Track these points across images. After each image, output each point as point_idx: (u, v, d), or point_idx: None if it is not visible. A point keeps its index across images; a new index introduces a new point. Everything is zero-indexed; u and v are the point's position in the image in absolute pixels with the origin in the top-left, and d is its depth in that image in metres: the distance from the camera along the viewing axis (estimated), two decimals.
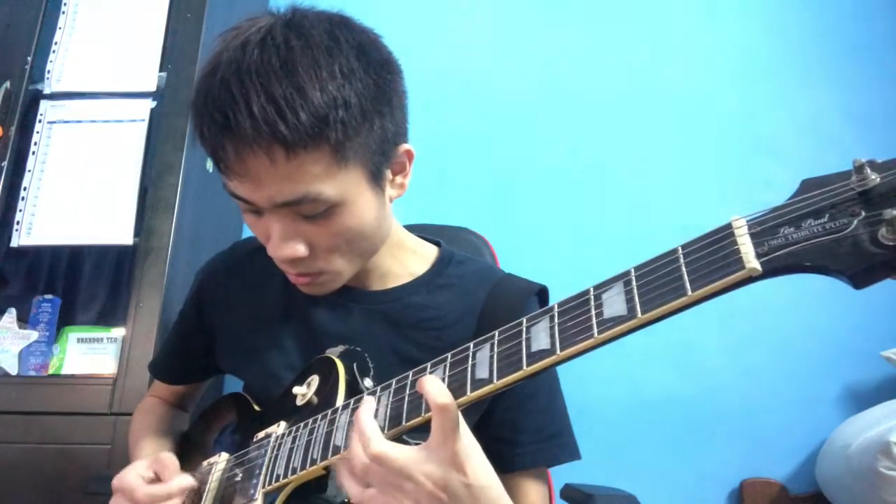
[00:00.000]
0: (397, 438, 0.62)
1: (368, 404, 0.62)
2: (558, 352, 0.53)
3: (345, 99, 0.68)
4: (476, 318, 0.85)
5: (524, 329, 0.57)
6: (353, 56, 0.71)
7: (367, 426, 0.59)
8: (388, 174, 0.79)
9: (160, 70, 1.60)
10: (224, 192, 0.77)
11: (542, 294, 0.89)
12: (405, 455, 0.57)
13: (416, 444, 0.59)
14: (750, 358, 1.78)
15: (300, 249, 0.74)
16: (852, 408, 1.72)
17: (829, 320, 1.78)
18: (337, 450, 0.66)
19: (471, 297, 0.87)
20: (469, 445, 0.58)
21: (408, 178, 0.83)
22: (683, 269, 0.48)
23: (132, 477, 0.79)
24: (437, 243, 0.96)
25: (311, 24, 0.71)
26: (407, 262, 0.91)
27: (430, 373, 0.63)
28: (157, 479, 0.80)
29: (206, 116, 0.69)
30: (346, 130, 0.69)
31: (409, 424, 0.60)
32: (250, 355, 0.91)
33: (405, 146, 0.80)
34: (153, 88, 1.59)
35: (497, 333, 0.59)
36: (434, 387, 0.56)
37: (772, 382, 1.76)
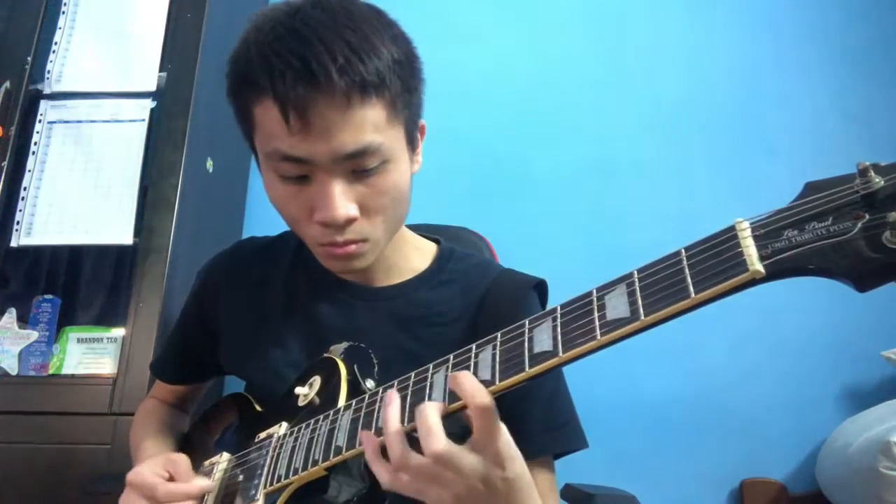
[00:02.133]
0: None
1: (437, 403, 0.60)
2: (561, 354, 0.53)
3: (398, 57, 0.74)
4: (476, 311, 0.86)
5: (526, 330, 0.57)
6: (394, 26, 0.78)
7: (433, 424, 0.57)
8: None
9: (160, 70, 1.60)
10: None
11: (540, 287, 0.89)
12: (458, 451, 0.57)
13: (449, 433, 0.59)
14: (750, 358, 1.78)
15: (353, 210, 0.75)
16: (852, 408, 1.72)
17: (830, 320, 1.78)
18: (339, 450, 0.66)
19: (472, 291, 0.88)
20: (508, 440, 0.58)
21: (420, 156, 0.86)
22: (687, 271, 0.48)
23: (150, 475, 0.79)
24: (436, 240, 0.96)
25: (351, 0, 0.76)
26: (410, 257, 0.91)
27: (433, 374, 0.63)
28: (171, 478, 0.80)
29: (280, 65, 0.69)
30: (402, 85, 0.74)
31: (411, 426, 0.60)
32: (253, 353, 0.91)
33: (421, 121, 0.84)
34: (153, 88, 1.59)
35: (499, 335, 0.60)
36: (472, 386, 0.56)
37: (772, 382, 1.77)
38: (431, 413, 0.58)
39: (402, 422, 0.61)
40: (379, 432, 0.62)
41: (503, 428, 0.58)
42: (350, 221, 0.75)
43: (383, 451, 0.61)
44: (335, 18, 0.71)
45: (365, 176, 0.74)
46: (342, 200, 0.73)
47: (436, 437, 0.57)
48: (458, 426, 0.59)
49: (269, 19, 0.73)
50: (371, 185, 0.75)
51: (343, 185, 0.74)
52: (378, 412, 0.64)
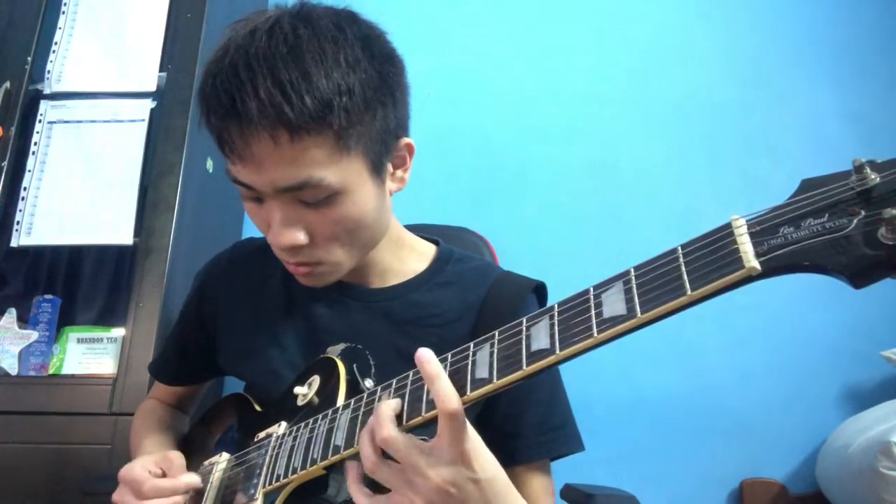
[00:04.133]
0: None
1: (393, 401, 0.62)
2: (558, 351, 0.53)
3: (349, 87, 0.70)
4: (475, 315, 0.85)
5: (524, 329, 0.57)
6: (358, 47, 0.73)
7: (384, 415, 0.59)
8: (389, 167, 0.80)
9: (160, 70, 1.60)
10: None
11: (540, 290, 0.89)
12: (414, 450, 0.58)
13: (423, 439, 0.59)
14: (750, 358, 1.78)
15: (300, 237, 0.74)
16: (852, 408, 1.72)
17: (829, 320, 1.78)
18: (337, 449, 0.66)
19: (471, 294, 0.88)
20: (476, 442, 0.59)
21: (408, 173, 0.84)
22: (683, 268, 0.48)
23: (139, 470, 0.79)
24: (435, 241, 0.96)
25: (319, 16, 0.73)
26: (406, 259, 0.91)
27: None
28: (163, 475, 0.80)
29: (213, 99, 0.70)
30: (349, 118, 0.70)
31: (410, 424, 0.61)
32: (251, 353, 0.91)
33: (406, 140, 0.82)
34: (153, 88, 1.59)
35: (497, 333, 0.60)
36: (443, 391, 0.57)
37: (772, 382, 1.76)
38: (384, 407, 0.60)
39: (401, 422, 0.61)
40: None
41: (472, 432, 0.58)
42: (297, 247, 0.75)
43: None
44: (276, 49, 0.68)
45: (315, 206, 0.73)
46: (285, 229, 0.74)
47: (384, 426, 0.58)
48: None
49: (227, 43, 0.72)
50: (322, 214, 0.74)
51: (288, 212, 0.73)
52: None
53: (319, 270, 0.79)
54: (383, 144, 0.77)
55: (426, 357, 0.59)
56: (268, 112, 0.67)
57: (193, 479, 0.79)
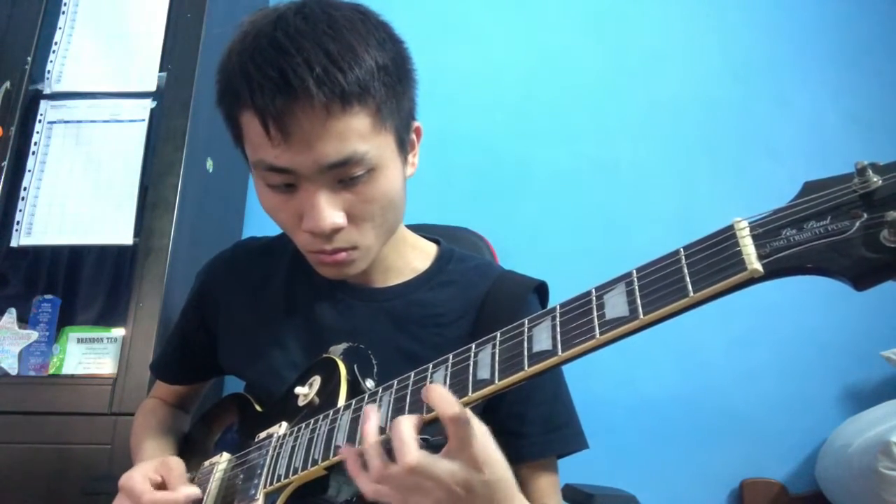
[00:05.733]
0: None
1: (414, 417, 0.60)
2: (560, 353, 0.53)
3: (384, 63, 0.72)
4: (476, 314, 0.86)
5: (526, 329, 0.57)
6: (381, 29, 0.76)
7: (407, 437, 0.58)
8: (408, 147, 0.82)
9: (160, 70, 1.60)
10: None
11: (541, 289, 0.89)
12: (433, 461, 0.57)
13: (422, 439, 0.59)
14: (750, 358, 1.78)
15: (339, 219, 0.74)
16: (852, 408, 1.72)
17: (830, 320, 1.78)
18: (338, 450, 0.66)
19: (472, 293, 0.88)
20: (485, 443, 0.58)
21: (417, 158, 0.85)
22: (685, 270, 0.48)
23: (139, 479, 0.78)
24: (436, 241, 0.96)
25: (337, 4, 0.75)
26: (409, 257, 0.91)
27: (432, 373, 0.63)
28: (163, 483, 0.80)
29: (259, 77, 0.69)
30: (387, 92, 0.73)
31: None
32: (252, 353, 0.91)
33: (416, 123, 0.84)
34: (153, 88, 1.59)
35: (499, 334, 0.60)
36: (440, 398, 0.56)
37: (772, 382, 1.77)
38: (406, 426, 0.58)
39: (385, 429, 0.61)
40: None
41: (480, 433, 0.58)
42: (337, 230, 0.75)
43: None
44: (315, 27, 0.70)
45: (352, 184, 0.74)
46: (327, 210, 0.73)
47: (409, 449, 0.57)
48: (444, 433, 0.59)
49: (253, 28, 0.73)
50: (358, 193, 0.74)
51: (328, 194, 0.73)
52: (377, 412, 0.64)
53: (353, 256, 0.78)
54: (406, 124, 0.79)
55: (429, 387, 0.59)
56: (323, 81, 0.67)
57: (193, 490, 0.78)
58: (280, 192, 0.75)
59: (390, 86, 0.73)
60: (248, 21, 0.75)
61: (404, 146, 0.80)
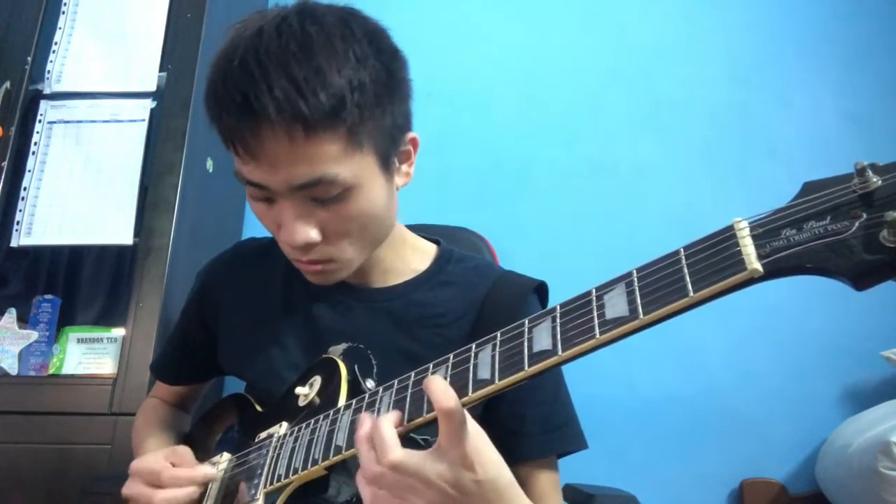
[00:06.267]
0: (401, 438, 0.62)
1: (392, 415, 0.62)
2: (560, 352, 0.53)
3: (360, 82, 0.70)
4: (476, 314, 0.86)
5: (526, 329, 0.57)
6: (365, 43, 0.73)
7: (388, 435, 0.59)
8: (396, 162, 0.81)
9: (160, 70, 1.60)
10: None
11: (541, 289, 0.89)
12: (418, 459, 0.57)
13: (423, 439, 0.59)
14: (750, 358, 1.78)
15: (313, 234, 0.74)
16: (852, 408, 1.72)
17: (829, 320, 1.78)
18: (339, 450, 0.66)
19: (472, 293, 0.88)
20: (478, 442, 0.58)
21: (413, 167, 0.84)
22: (685, 270, 0.48)
23: (153, 461, 0.79)
24: (436, 241, 0.96)
25: (324, 13, 0.73)
26: (408, 258, 0.91)
27: (433, 373, 0.63)
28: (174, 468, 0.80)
29: (225, 99, 0.70)
30: (361, 113, 0.71)
31: (412, 424, 0.61)
32: (252, 354, 0.91)
33: (411, 134, 0.82)
34: (153, 88, 1.59)
35: (499, 334, 0.60)
36: (439, 390, 0.56)
37: (772, 382, 1.77)
38: (385, 425, 0.59)
39: (402, 424, 0.61)
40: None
41: (473, 432, 0.58)
42: (310, 245, 0.75)
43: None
44: (287, 48, 0.68)
45: (327, 202, 0.73)
46: (300, 227, 0.73)
47: (390, 448, 0.57)
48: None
49: (231, 43, 0.72)
50: (333, 211, 0.74)
51: (301, 210, 0.73)
52: (378, 413, 0.65)
53: (330, 268, 0.79)
54: (391, 139, 0.77)
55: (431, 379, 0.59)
56: (283, 109, 0.67)
57: (209, 470, 0.80)
58: (260, 202, 0.76)
59: (366, 106, 0.71)
60: (235, 27, 0.74)
61: (389, 162, 0.78)
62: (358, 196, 0.74)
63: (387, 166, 0.78)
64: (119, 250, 1.59)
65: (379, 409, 0.65)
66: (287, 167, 0.70)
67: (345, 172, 0.71)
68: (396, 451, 0.57)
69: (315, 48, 0.69)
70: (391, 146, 0.78)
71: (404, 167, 0.83)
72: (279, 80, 0.67)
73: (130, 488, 0.80)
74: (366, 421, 0.62)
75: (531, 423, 0.82)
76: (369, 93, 0.71)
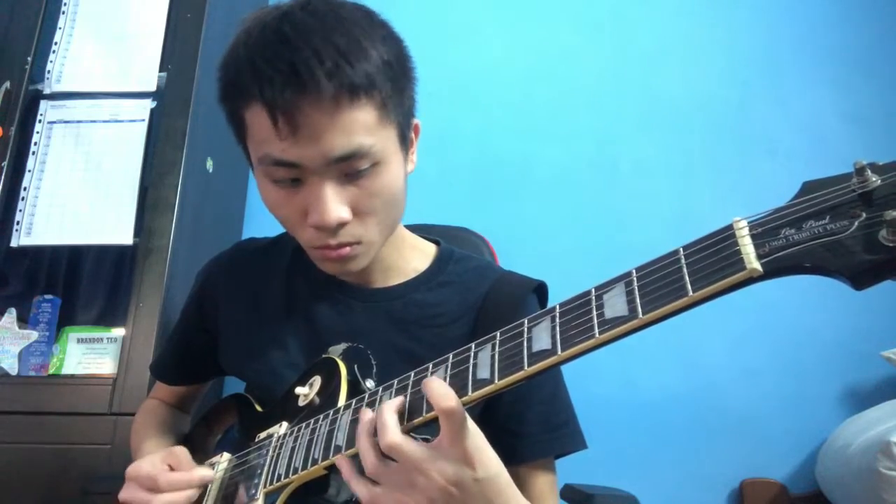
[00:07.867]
0: None
1: (395, 401, 0.63)
2: (559, 352, 0.53)
3: (389, 58, 0.74)
4: (475, 314, 0.86)
5: (525, 329, 0.57)
6: (383, 27, 0.77)
7: (388, 418, 0.60)
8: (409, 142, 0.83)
9: (160, 70, 1.60)
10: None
11: (540, 290, 0.89)
12: (418, 451, 0.58)
13: (424, 439, 0.59)
14: (750, 358, 1.78)
15: (345, 213, 0.74)
16: (852, 408, 1.72)
17: (830, 320, 1.78)
18: (338, 450, 0.66)
19: (471, 293, 0.88)
20: (477, 440, 0.59)
21: (415, 155, 0.86)
22: (685, 269, 0.48)
23: (149, 466, 0.79)
24: (435, 241, 0.96)
25: (341, 2, 0.76)
26: (409, 257, 0.91)
27: (432, 373, 0.63)
28: (171, 470, 0.80)
29: (268, 70, 0.69)
30: (391, 87, 0.74)
31: (412, 424, 0.61)
32: (252, 354, 0.91)
33: (416, 120, 0.84)
34: (153, 88, 1.59)
35: (499, 334, 0.60)
36: (438, 390, 0.57)
37: (772, 382, 1.77)
38: (387, 409, 0.60)
39: (402, 422, 0.61)
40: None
41: (474, 431, 0.59)
42: (342, 224, 0.75)
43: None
44: (323, 21, 0.71)
45: (356, 178, 0.74)
46: (334, 203, 0.73)
47: (389, 430, 0.59)
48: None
49: (258, 23, 0.73)
50: (363, 187, 0.75)
51: (335, 187, 0.74)
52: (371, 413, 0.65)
53: (357, 251, 0.79)
54: (407, 120, 0.80)
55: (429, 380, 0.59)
56: (334, 74, 0.68)
57: (206, 472, 0.80)
58: (284, 188, 0.75)
59: (394, 81, 0.74)
60: (251, 18, 0.75)
61: (406, 141, 0.80)
62: (384, 171, 0.75)
63: (404, 145, 0.80)
64: (119, 250, 1.59)
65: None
66: (327, 137, 0.70)
67: (377, 144, 0.73)
68: (396, 434, 0.58)
69: (348, 24, 0.72)
70: (406, 126, 0.80)
71: (409, 153, 0.84)
72: (326, 48, 0.69)
73: (127, 493, 0.80)
74: (367, 414, 0.63)
75: (531, 423, 0.82)
76: (395, 69, 0.75)
